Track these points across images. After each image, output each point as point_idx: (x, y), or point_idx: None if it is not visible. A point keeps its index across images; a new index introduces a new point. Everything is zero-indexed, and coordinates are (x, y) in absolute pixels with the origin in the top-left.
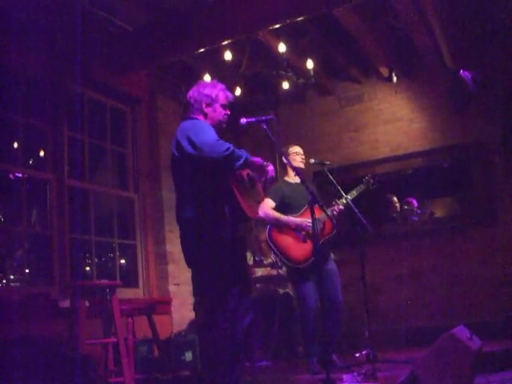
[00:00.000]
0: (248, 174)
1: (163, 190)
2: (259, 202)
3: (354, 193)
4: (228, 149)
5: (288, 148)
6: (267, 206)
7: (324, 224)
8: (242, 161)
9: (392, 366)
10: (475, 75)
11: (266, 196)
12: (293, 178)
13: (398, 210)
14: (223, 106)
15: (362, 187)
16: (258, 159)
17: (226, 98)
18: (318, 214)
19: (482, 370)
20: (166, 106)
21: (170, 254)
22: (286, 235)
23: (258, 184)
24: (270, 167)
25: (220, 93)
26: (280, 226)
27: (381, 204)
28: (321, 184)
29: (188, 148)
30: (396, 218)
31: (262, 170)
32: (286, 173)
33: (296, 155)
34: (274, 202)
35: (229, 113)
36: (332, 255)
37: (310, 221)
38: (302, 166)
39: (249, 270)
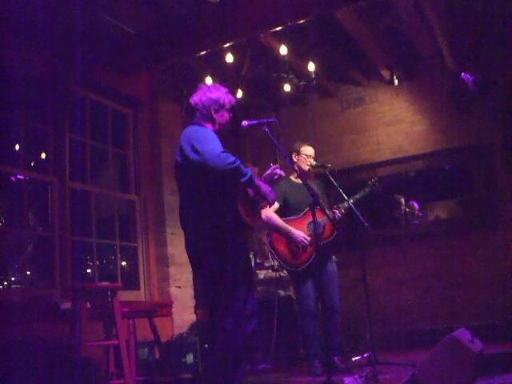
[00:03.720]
0: (252, 193)
1: (164, 193)
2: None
3: (357, 196)
4: (234, 162)
5: (300, 146)
6: (271, 209)
7: (324, 227)
8: (246, 178)
9: (393, 368)
10: (477, 78)
11: None
12: (298, 178)
13: (403, 211)
14: (228, 111)
15: (366, 191)
16: (265, 188)
17: (230, 101)
18: (320, 217)
19: (484, 372)
20: (168, 109)
21: (172, 256)
22: (286, 238)
23: (261, 203)
24: (277, 171)
25: (225, 97)
26: (278, 232)
27: (384, 205)
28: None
29: (192, 155)
30: (400, 219)
31: (264, 198)
32: (291, 172)
33: (303, 156)
34: (278, 202)
35: (232, 115)
36: (334, 257)
37: (307, 237)
38: (306, 168)
39: (253, 274)
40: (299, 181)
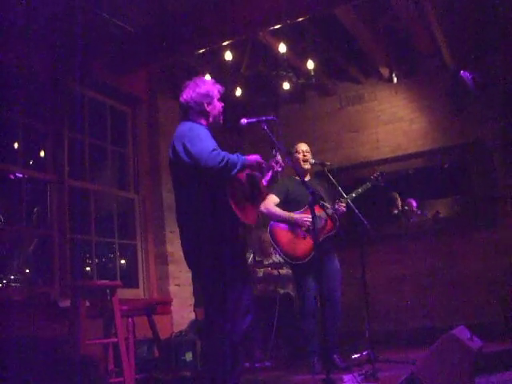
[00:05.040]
0: (247, 174)
1: (163, 190)
2: (261, 200)
3: (359, 190)
4: (223, 160)
5: (293, 147)
6: (270, 202)
7: (325, 221)
8: (237, 168)
9: (392, 366)
10: (475, 76)
11: (271, 192)
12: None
13: (400, 208)
14: (218, 100)
15: (368, 185)
16: (254, 158)
17: (219, 91)
18: (320, 212)
19: (483, 370)
20: (167, 107)
21: (171, 254)
22: (287, 232)
23: (260, 181)
24: (279, 165)
25: (213, 88)
26: (280, 221)
27: (382, 203)
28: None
29: (183, 156)
30: (398, 216)
31: (260, 167)
32: (293, 170)
33: (298, 154)
34: (278, 197)
35: (223, 104)
36: (335, 254)
37: (310, 216)
38: (307, 165)
39: (249, 271)
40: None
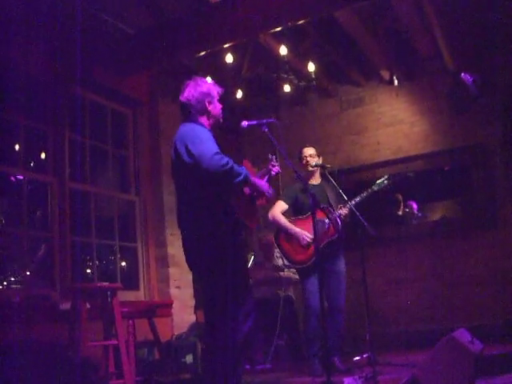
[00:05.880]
0: (249, 191)
1: (164, 193)
2: (258, 215)
3: (364, 195)
4: (227, 163)
5: (300, 151)
6: (278, 210)
7: (329, 226)
8: (241, 178)
9: (393, 369)
10: (476, 78)
11: (279, 198)
12: (310, 181)
13: (402, 210)
14: (219, 101)
15: (373, 189)
16: (261, 184)
17: (218, 92)
18: (324, 216)
19: (483, 373)
20: (167, 109)
21: (171, 256)
22: (291, 237)
23: (258, 201)
24: (276, 168)
25: (214, 88)
26: (283, 231)
27: (384, 205)
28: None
29: (185, 156)
30: (404, 218)
31: (262, 194)
32: (306, 175)
33: (301, 160)
34: (286, 203)
35: (222, 106)
36: (341, 257)
37: (308, 235)
38: (309, 168)
39: (249, 274)
40: (313, 182)
